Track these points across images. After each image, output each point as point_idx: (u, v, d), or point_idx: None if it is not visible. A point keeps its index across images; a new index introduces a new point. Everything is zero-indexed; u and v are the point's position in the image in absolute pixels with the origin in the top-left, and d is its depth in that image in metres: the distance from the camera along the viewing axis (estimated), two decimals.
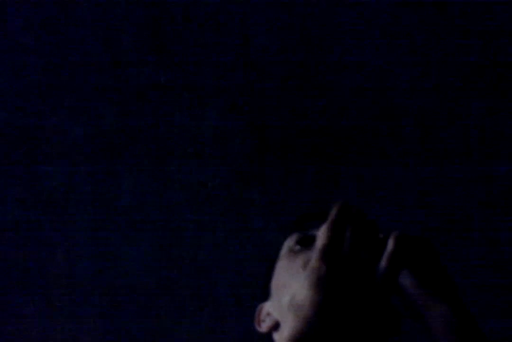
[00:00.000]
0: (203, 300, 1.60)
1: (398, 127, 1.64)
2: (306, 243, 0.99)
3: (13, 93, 1.62)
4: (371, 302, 0.80)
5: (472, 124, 1.64)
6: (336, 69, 1.64)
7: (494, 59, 1.65)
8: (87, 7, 1.64)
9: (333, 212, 0.83)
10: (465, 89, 1.65)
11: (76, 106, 1.62)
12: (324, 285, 0.79)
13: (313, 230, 0.99)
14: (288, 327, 0.82)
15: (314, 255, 0.81)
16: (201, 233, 1.61)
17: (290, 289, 0.94)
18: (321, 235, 0.82)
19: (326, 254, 0.80)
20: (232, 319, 1.58)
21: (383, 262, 0.82)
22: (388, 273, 0.81)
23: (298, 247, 1.00)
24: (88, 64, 1.63)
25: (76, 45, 1.64)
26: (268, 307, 1.02)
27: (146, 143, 1.62)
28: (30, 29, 1.63)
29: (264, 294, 1.04)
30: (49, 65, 1.63)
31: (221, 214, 1.61)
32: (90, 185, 1.61)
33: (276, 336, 1.00)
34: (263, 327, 1.01)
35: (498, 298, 1.60)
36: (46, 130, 1.62)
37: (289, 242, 1.02)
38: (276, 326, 0.99)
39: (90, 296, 1.59)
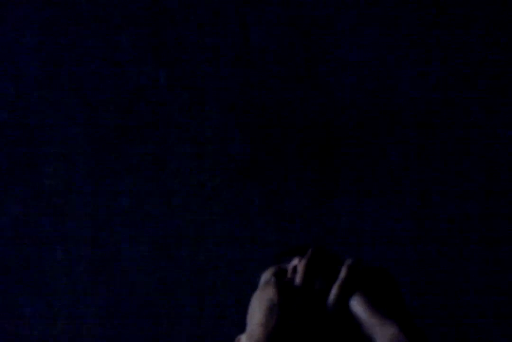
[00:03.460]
0: (203, 300, 1.60)
1: (398, 127, 1.64)
2: (281, 276, 1.01)
3: (13, 93, 1.62)
4: (322, 327, 0.85)
5: (472, 124, 1.64)
6: (336, 68, 1.64)
7: (494, 59, 1.65)
8: (87, 7, 1.64)
9: (303, 261, 0.90)
10: (465, 89, 1.65)
11: (76, 106, 1.62)
12: (277, 312, 0.85)
13: (289, 262, 1.02)
14: None
15: (268, 286, 0.88)
16: (201, 233, 1.61)
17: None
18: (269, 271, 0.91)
19: (279, 285, 0.87)
20: (232, 319, 1.58)
21: (333, 290, 0.86)
22: (338, 299, 0.86)
23: (272, 279, 1.02)
24: (87, 64, 1.63)
25: (76, 45, 1.64)
26: (243, 339, 1.03)
27: (146, 143, 1.62)
28: (30, 29, 1.63)
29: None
30: (49, 65, 1.63)
31: (221, 214, 1.61)
32: (90, 185, 1.61)
33: None
34: None
35: (498, 298, 1.60)
36: (46, 130, 1.62)
37: (266, 275, 1.04)
38: None
39: (90, 296, 1.59)
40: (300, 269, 0.89)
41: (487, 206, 1.62)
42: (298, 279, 0.88)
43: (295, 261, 0.97)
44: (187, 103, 1.63)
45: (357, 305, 0.89)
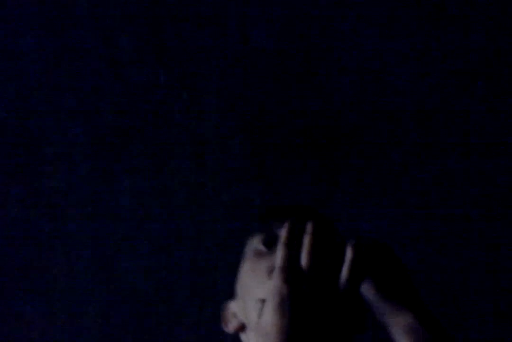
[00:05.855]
0: (203, 300, 1.60)
1: (398, 127, 1.64)
2: (270, 243, 0.97)
3: (13, 93, 1.62)
4: (336, 313, 0.80)
5: (472, 124, 1.64)
6: (336, 68, 1.64)
7: (494, 59, 1.65)
8: (87, 7, 1.64)
9: (284, 233, 0.83)
10: (465, 89, 1.65)
11: (76, 106, 1.62)
12: (288, 307, 0.79)
13: (278, 228, 0.97)
14: None
15: (275, 276, 0.81)
16: (201, 233, 1.61)
17: (254, 294, 0.94)
18: (278, 256, 0.82)
19: (286, 274, 0.80)
20: None
21: (344, 273, 0.81)
22: (350, 284, 0.80)
23: (262, 248, 0.98)
24: (87, 64, 1.63)
25: (76, 45, 1.64)
26: (233, 307, 1.01)
27: (146, 143, 1.62)
28: (30, 29, 1.63)
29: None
30: (49, 65, 1.63)
31: (221, 214, 1.61)
32: (90, 185, 1.61)
33: (243, 336, 1.00)
34: (230, 328, 1.01)
35: (498, 298, 1.60)
36: (46, 130, 1.62)
37: (254, 242, 1.00)
38: (242, 327, 0.99)
39: (90, 296, 1.59)
40: (305, 250, 0.82)
41: (487, 206, 1.62)
42: (304, 262, 0.81)
43: (285, 229, 0.89)
44: (187, 103, 1.63)
45: (369, 291, 0.87)
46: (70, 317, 1.58)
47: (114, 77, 1.63)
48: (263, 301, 0.84)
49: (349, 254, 0.82)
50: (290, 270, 0.81)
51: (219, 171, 1.62)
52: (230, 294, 0.96)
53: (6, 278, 1.59)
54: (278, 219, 1.00)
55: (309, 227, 0.83)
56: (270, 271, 0.92)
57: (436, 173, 1.63)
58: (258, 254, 0.98)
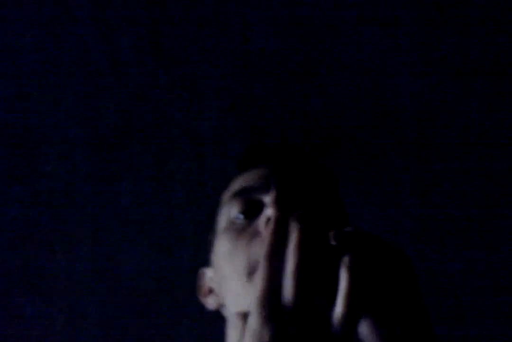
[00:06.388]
0: None
1: (398, 127, 1.64)
2: (250, 213, 0.85)
3: (13, 93, 1.62)
4: None
5: (472, 124, 1.64)
6: (336, 68, 1.64)
7: (494, 59, 1.65)
8: (87, 6, 1.64)
9: (264, 261, 0.63)
10: (465, 90, 1.65)
11: (76, 106, 1.62)
12: None
13: (258, 192, 0.84)
14: None
15: (253, 313, 0.61)
16: (201, 233, 1.61)
17: (233, 275, 0.83)
18: (257, 286, 0.63)
19: (267, 313, 0.60)
20: None
21: (338, 308, 0.60)
22: (346, 324, 0.59)
23: (240, 219, 0.85)
24: (87, 64, 1.63)
25: (76, 45, 1.64)
26: (208, 276, 0.97)
27: (146, 143, 1.62)
28: (30, 29, 1.63)
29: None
30: (49, 65, 1.63)
31: None
32: (90, 185, 1.61)
33: (210, 300, 0.97)
34: (209, 304, 0.97)
35: (498, 298, 1.60)
36: (46, 130, 1.62)
37: (230, 209, 0.87)
38: (210, 291, 0.96)
39: (90, 296, 1.59)
40: (291, 275, 0.60)
41: (487, 206, 1.62)
42: (290, 292, 0.60)
43: (268, 211, 0.75)
44: (187, 103, 1.63)
45: (368, 336, 0.63)
46: (70, 317, 1.58)
47: (114, 77, 1.63)
48: (243, 315, 0.66)
49: (344, 280, 0.61)
50: (272, 304, 0.61)
51: (219, 171, 1.62)
52: None
53: (6, 278, 1.59)
54: (261, 164, 0.87)
55: (294, 235, 0.62)
56: (251, 238, 0.80)
57: (436, 173, 1.63)
58: (235, 226, 0.85)
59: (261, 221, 0.80)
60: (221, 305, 0.94)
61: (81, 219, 1.60)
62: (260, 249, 0.78)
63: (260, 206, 0.85)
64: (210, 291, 0.96)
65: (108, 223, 1.60)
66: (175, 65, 1.64)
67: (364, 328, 0.63)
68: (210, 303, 0.97)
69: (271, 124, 1.63)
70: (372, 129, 1.63)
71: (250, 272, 0.81)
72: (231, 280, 0.84)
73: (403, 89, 1.64)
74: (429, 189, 1.62)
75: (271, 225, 0.65)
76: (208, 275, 0.98)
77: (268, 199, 0.83)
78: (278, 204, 0.77)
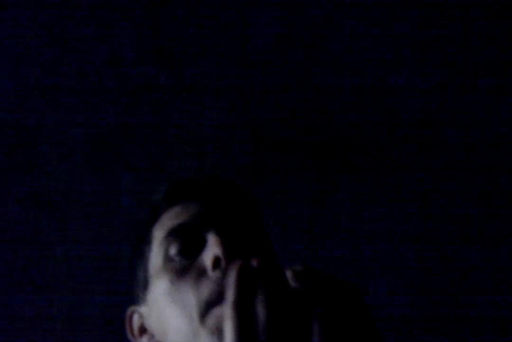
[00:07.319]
0: None
1: (398, 127, 1.64)
2: (189, 251, 0.83)
3: (13, 93, 1.62)
4: None
5: (472, 124, 1.64)
6: (335, 68, 1.64)
7: (494, 59, 1.65)
8: (87, 7, 1.64)
9: (232, 291, 0.62)
10: (465, 90, 1.65)
11: (76, 106, 1.62)
12: None
13: (197, 229, 0.82)
14: None
15: None
16: None
17: (175, 318, 0.81)
18: (227, 335, 0.60)
19: None
20: None
21: None
22: None
23: (178, 258, 0.83)
24: (87, 64, 1.63)
25: (76, 44, 1.63)
26: (142, 316, 0.91)
27: (146, 143, 1.62)
28: (30, 29, 1.63)
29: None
30: (49, 65, 1.63)
31: None
32: (90, 185, 1.61)
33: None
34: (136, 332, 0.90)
35: (498, 298, 1.60)
36: (46, 130, 1.61)
37: (168, 247, 0.85)
38: (144, 331, 0.90)
39: (90, 296, 1.59)
40: (262, 329, 0.58)
41: (487, 206, 1.62)
42: (262, 334, 0.58)
43: (213, 248, 0.73)
44: (187, 103, 1.63)
45: None
46: (70, 317, 1.58)
47: (114, 77, 1.63)
48: None
49: (318, 334, 0.59)
50: None
51: (219, 171, 1.61)
52: None
53: (6, 278, 1.58)
54: (190, 198, 0.84)
55: (262, 284, 0.60)
56: (197, 280, 0.77)
57: (436, 173, 1.63)
58: (177, 265, 0.83)
59: (207, 260, 0.78)
60: None
61: (81, 218, 1.60)
62: (209, 290, 0.77)
63: (199, 243, 0.84)
64: (143, 330, 0.91)
65: (108, 223, 1.60)
66: (175, 65, 1.64)
67: None
68: None
69: (271, 124, 1.63)
70: (372, 129, 1.63)
71: (202, 314, 0.78)
72: (178, 320, 0.81)
73: (403, 89, 1.64)
74: (429, 189, 1.62)
75: (235, 273, 0.63)
76: (142, 314, 0.92)
77: (210, 236, 0.81)
78: (224, 242, 0.78)
